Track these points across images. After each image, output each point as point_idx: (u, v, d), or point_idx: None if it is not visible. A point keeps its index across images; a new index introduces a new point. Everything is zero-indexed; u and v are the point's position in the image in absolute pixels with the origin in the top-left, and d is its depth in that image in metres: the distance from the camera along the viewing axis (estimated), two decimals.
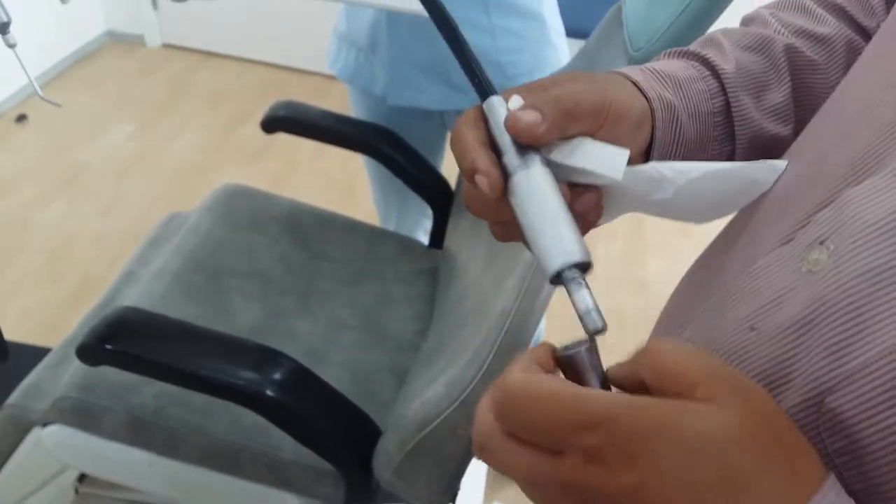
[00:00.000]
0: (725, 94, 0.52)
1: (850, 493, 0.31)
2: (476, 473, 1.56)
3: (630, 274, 2.31)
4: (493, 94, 0.44)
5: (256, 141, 2.71)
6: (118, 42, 3.32)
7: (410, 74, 1.30)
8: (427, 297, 1.31)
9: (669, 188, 0.43)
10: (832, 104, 0.47)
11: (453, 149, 0.45)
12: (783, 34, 0.54)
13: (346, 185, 2.53)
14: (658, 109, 0.48)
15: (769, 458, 0.29)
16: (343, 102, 1.59)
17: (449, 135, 1.49)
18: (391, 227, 1.61)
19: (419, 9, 0.87)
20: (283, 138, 1.45)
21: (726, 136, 0.52)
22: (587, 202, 0.44)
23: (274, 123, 1.38)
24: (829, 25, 0.55)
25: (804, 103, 0.54)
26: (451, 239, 1.35)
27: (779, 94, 0.53)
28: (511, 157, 0.42)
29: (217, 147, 2.71)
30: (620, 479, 0.29)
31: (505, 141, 0.42)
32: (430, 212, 1.43)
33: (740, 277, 0.41)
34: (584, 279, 0.38)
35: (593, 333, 0.37)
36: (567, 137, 0.44)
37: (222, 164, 2.61)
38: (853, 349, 0.33)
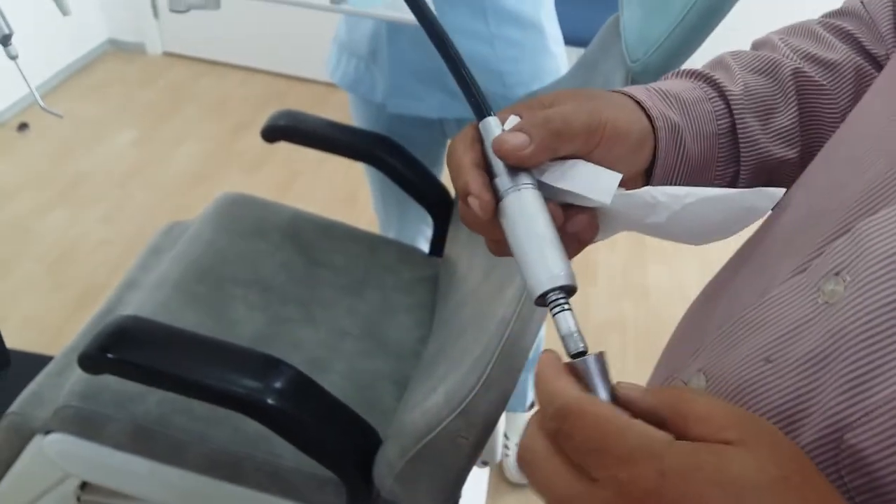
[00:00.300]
0: (732, 115, 0.52)
1: None
2: (477, 482, 1.56)
3: (631, 281, 2.31)
4: (488, 114, 0.45)
5: (257, 149, 2.72)
6: (119, 50, 3.33)
7: (410, 82, 1.30)
8: (428, 305, 1.32)
9: (663, 213, 0.43)
10: (844, 132, 0.47)
11: (449, 167, 0.46)
12: (791, 58, 0.54)
13: (347, 194, 2.54)
14: (661, 129, 0.48)
15: (805, 501, 0.30)
16: (343, 111, 1.60)
17: (448, 143, 1.50)
18: (392, 234, 1.61)
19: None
20: (284, 147, 1.45)
21: (731, 158, 0.52)
22: (579, 223, 0.44)
23: (274, 132, 1.39)
24: (837, 51, 0.55)
25: (811, 127, 0.54)
26: (451, 247, 1.35)
27: (786, 118, 0.53)
28: (503, 179, 0.43)
29: (218, 155, 2.72)
30: None
31: (497, 163, 0.43)
32: (430, 220, 1.43)
33: (754, 307, 0.41)
34: (567, 302, 0.39)
35: (573, 355, 0.37)
36: (560, 158, 0.44)
37: (223, 173, 2.62)
38: (873, 384, 0.32)
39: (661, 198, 0.43)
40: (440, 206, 1.41)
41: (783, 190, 0.42)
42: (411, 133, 1.41)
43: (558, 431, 0.33)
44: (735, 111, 0.52)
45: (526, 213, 0.42)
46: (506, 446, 1.71)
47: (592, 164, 0.44)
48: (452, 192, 1.42)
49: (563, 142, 0.43)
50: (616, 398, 0.35)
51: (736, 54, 0.56)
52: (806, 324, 0.37)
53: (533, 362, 1.65)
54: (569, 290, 0.39)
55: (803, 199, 0.45)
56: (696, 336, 0.46)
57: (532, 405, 1.76)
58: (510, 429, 1.72)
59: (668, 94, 0.51)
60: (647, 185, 0.49)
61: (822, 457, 0.33)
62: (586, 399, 0.33)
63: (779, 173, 0.53)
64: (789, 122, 0.53)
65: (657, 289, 2.30)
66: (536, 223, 0.41)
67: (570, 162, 0.44)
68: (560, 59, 1.32)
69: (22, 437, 1.08)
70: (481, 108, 0.45)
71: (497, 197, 0.43)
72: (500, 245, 0.46)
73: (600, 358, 0.36)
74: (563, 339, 0.38)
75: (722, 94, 0.53)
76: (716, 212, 0.43)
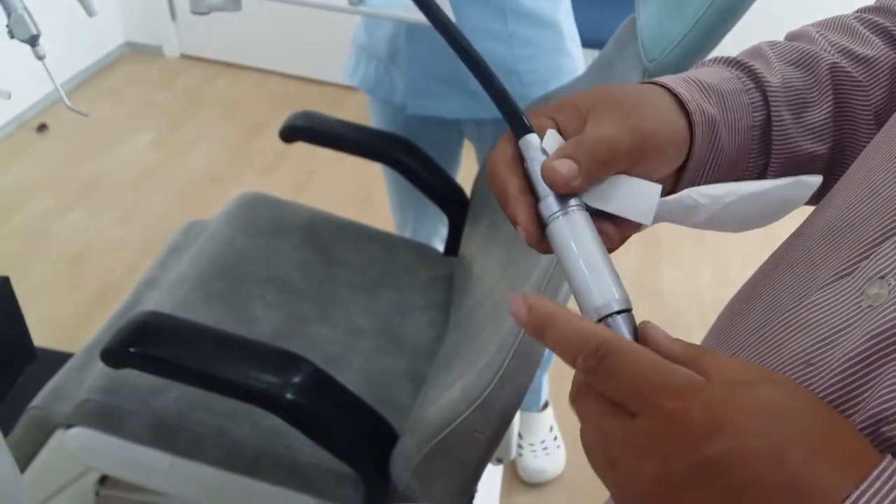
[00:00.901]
0: (768, 108, 0.52)
1: None
2: (491, 479, 1.57)
3: (645, 283, 2.31)
4: (528, 131, 0.45)
5: (273, 150, 2.74)
6: (137, 53, 3.36)
7: (429, 84, 1.32)
8: (443, 304, 1.33)
9: (703, 214, 0.44)
10: (886, 135, 0.46)
11: (493, 190, 0.46)
12: (829, 52, 0.54)
13: (362, 194, 2.55)
14: (699, 124, 0.48)
15: (836, 423, 0.32)
16: (358, 112, 1.61)
17: (465, 142, 1.51)
18: (407, 234, 1.62)
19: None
20: (299, 148, 1.47)
21: (762, 151, 0.52)
22: (628, 230, 0.45)
23: (292, 133, 1.40)
24: (874, 47, 0.54)
25: (843, 123, 0.54)
26: (467, 247, 1.36)
27: (819, 113, 0.53)
28: (550, 202, 0.43)
29: (234, 157, 2.74)
30: (704, 447, 0.31)
31: (542, 186, 0.44)
32: (446, 219, 1.44)
33: (794, 311, 0.41)
34: (627, 320, 0.39)
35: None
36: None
37: (239, 174, 2.64)
38: None
39: (702, 200, 0.43)
40: (456, 206, 1.42)
41: (820, 178, 0.42)
42: (429, 134, 1.43)
43: (598, 368, 0.34)
44: (772, 104, 0.52)
45: (577, 237, 0.42)
46: (520, 445, 1.72)
47: (632, 179, 0.45)
48: (468, 191, 1.43)
49: (609, 169, 0.44)
50: (643, 339, 0.38)
51: (773, 45, 0.56)
52: (848, 327, 0.37)
53: (548, 360, 1.65)
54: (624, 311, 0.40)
55: (844, 201, 0.44)
56: (734, 339, 0.46)
57: (546, 405, 1.76)
58: (525, 428, 1.73)
59: (705, 86, 0.51)
60: (679, 179, 0.49)
61: None
62: (621, 338, 0.36)
63: (807, 167, 0.53)
64: (823, 117, 0.53)
65: (671, 291, 2.30)
66: (587, 247, 0.42)
67: (610, 178, 0.44)
68: (577, 57, 1.33)
69: (43, 432, 1.10)
70: (522, 126, 0.46)
71: (544, 221, 0.44)
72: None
73: (629, 318, 0.39)
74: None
75: (759, 85, 0.52)
76: (755, 205, 0.43)
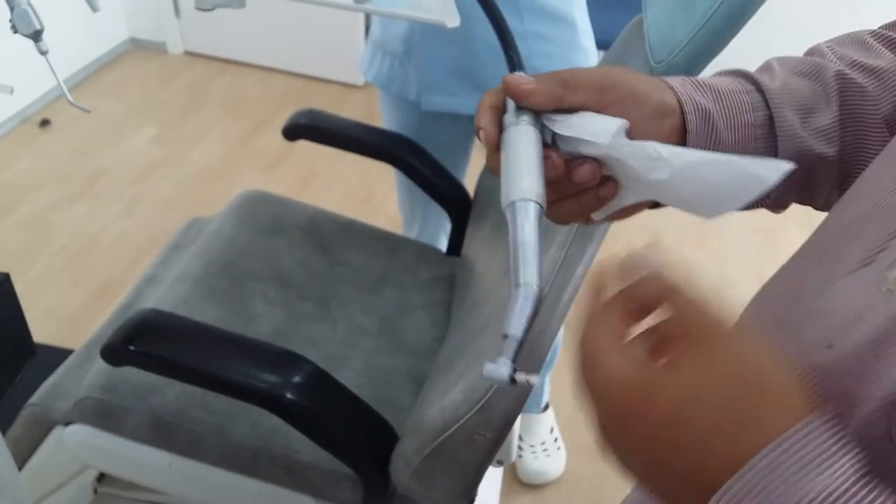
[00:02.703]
0: (769, 108, 0.53)
1: None
2: (491, 481, 1.56)
3: None
4: (519, 69, 0.52)
5: (275, 148, 2.73)
6: (141, 49, 3.36)
7: (444, 80, 1.32)
8: (445, 304, 1.32)
9: (665, 168, 0.45)
10: None
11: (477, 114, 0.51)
12: (836, 63, 0.56)
13: (364, 193, 2.55)
14: (690, 113, 0.50)
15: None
16: (361, 110, 1.61)
17: (476, 140, 1.51)
18: (414, 231, 1.63)
19: (440, 19, 0.89)
20: (301, 146, 1.46)
21: (768, 150, 0.53)
22: (584, 173, 0.48)
23: (295, 131, 1.40)
24: (884, 59, 0.56)
25: (852, 128, 0.54)
26: (469, 246, 1.36)
27: (826, 117, 0.54)
28: (508, 115, 0.48)
29: (236, 154, 2.73)
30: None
31: (510, 104, 0.49)
32: None
33: (818, 298, 0.42)
34: (536, 215, 0.44)
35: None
36: (570, 110, 0.48)
37: (241, 171, 2.64)
38: None
39: (664, 152, 0.45)
40: (458, 206, 1.41)
41: (790, 164, 0.42)
42: (441, 130, 1.43)
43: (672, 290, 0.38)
44: (772, 104, 0.53)
45: (516, 142, 0.47)
46: (520, 447, 1.71)
47: (600, 115, 0.47)
48: (472, 192, 1.43)
49: (569, 90, 0.48)
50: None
51: (782, 59, 0.58)
52: (868, 311, 0.37)
53: (550, 362, 1.65)
54: (538, 208, 0.44)
55: (868, 194, 0.45)
56: (760, 326, 0.47)
57: (547, 406, 1.76)
58: (525, 430, 1.72)
59: (701, 84, 0.53)
60: None
61: (877, 424, 0.34)
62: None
63: (817, 169, 0.54)
64: (830, 120, 0.54)
65: None
66: (521, 150, 0.46)
67: (580, 113, 0.48)
68: (591, 54, 1.33)
69: (42, 429, 1.10)
70: (514, 64, 0.52)
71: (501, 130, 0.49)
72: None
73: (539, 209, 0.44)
74: (517, 243, 0.42)
75: (759, 88, 0.54)
76: (720, 175, 0.44)
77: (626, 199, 0.50)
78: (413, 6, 1.02)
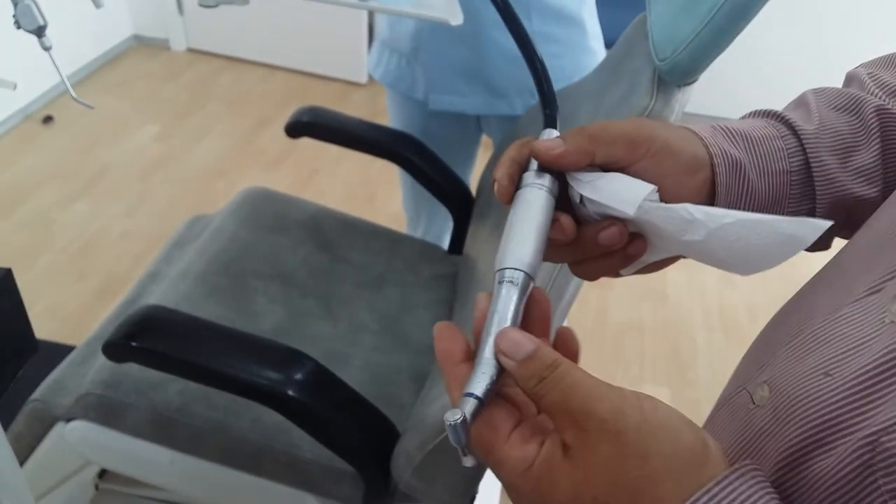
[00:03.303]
0: (805, 153, 0.51)
1: None
2: (492, 478, 1.56)
3: (650, 286, 2.31)
4: (553, 127, 0.50)
5: (278, 146, 2.74)
6: (144, 46, 3.36)
7: (452, 80, 1.32)
8: (446, 302, 1.32)
9: (700, 230, 0.43)
10: None
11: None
12: (877, 94, 0.54)
13: (366, 191, 2.55)
14: (720, 165, 0.49)
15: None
16: (363, 108, 1.61)
17: (483, 139, 1.51)
18: (419, 231, 1.63)
19: (444, 17, 0.89)
20: (304, 144, 1.46)
21: (805, 195, 0.52)
22: (610, 236, 0.46)
23: (298, 128, 1.40)
24: None
25: (894, 165, 0.53)
26: (471, 245, 1.36)
27: (868, 156, 0.52)
28: (528, 175, 0.47)
29: (239, 151, 2.74)
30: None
31: (533, 163, 0.48)
32: None
33: (824, 323, 0.41)
34: (520, 286, 0.42)
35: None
36: (600, 169, 0.46)
37: (244, 168, 2.64)
38: None
39: (698, 215, 0.43)
40: (461, 205, 1.41)
41: (829, 222, 0.42)
42: (448, 129, 1.43)
43: (550, 376, 0.36)
44: (808, 149, 0.51)
45: (525, 206, 0.45)
46: None
47: (629, 178, 0.46)
48: (474, 190, 1.43)
49: (600, 145, 0.45)
50: (561, 339, 0.41)
51: (818, 92, 0.56)
52: (869, 340, 0.37)
53: None
54: (526, 280, 0.42)
55: (887, 220, 0.44)
56: (767, 350, 0.46)
57: None
58: None
59: (733, 132, 0.51)
60: None
61: (859, 460, 0.34)
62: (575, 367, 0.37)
63: (858, 211, 0.52)
64: (871, 159, 0.52)
65: (675, 293, 2.29)
66: (527, 216, 0.44)
67: (609, 175, 0.46)
68: (601, 55, 1.33)
69: (44, 424, 1.10)
70: (548, 120, 0.51)
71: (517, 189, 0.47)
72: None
73: (528, 280, 0.42)
74: (492, 312, 0.41)
75: (794, 132, 0.52)
76: (756, 236, 0.43)
77: (655, 255, 0.48)
78: (417, 4, 1.02)
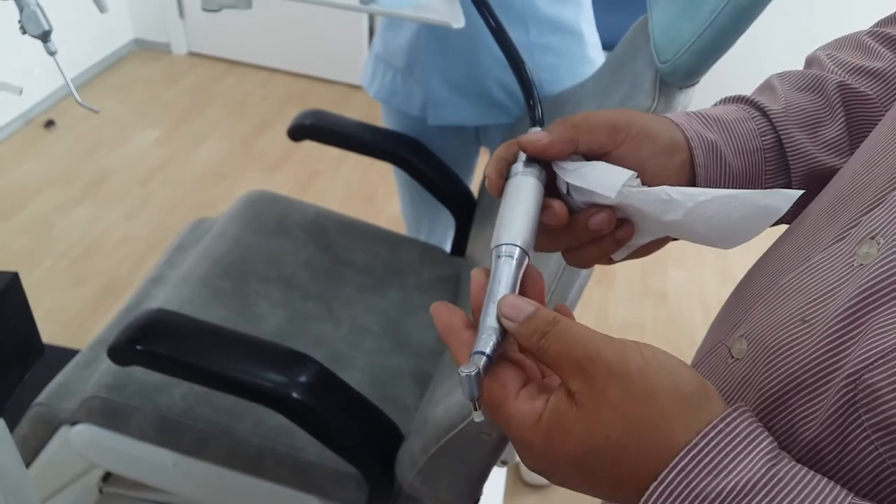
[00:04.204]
0: (776, 131, 0.54)
1: (886, 468, 0.34)
2: (495, 481, 1.57)
3: (650, 286, 2.31)
4: (539, 125, 0.52)
5: (279, 149, 2.74)
6: (145, 50, 3.37)
7: (449, 93, 1.31)
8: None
9: (679, 209, 0.46)
10: (890, 113, 0.49)
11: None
12: (836, 73, 0.56)
13: (366, 194, 2.55)
14: (697, 147, 0.51)
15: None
16: (364, 111, 1.61)
17: (482, 149, 1.51)
18: (420, 238, 1.60)
19: (446, 20, 0.89)
20: (304, 147, 1.47)
21: (780, 170, 0.55)
22: (599, 221, 0.48)
23: (301, 131, 1.40)
24: (884, 60, 0.56)
25: (861, 136, 0.55)
26: (474, 247, 1.36)
27: (833, 129, 0.55)
28: (516, 164, 0.50)
29: (240, 154, 2.74)
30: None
31: (521, 155, 0.50)
32: None
33: (793, 274, 0.43)
34: (516, 259, 0.44)
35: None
36: (583, 158, 0.49)
37: (245, 171, 2.64)
38: (893, 329, 0.34)
39: (676, 195, 0.46)
40: (463, 206, 1.41)
41: (799, 192, 0.44)
42: (445, 142, 1.42)
43: (550, 331, 0.38)
44: (778, 126, 0.54)
45: (515, 191, 0.47)
46: None
47: (611, 165, 0.48)
48: (476, 192, 1.43)
49: (582, 132, 0.48)
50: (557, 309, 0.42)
51: (782, 75, 0.59)
52: (840, 284, 0.39)
53: None
54: (521, 254, 0.44)
55: (847, 174, 0.47)
56: (740, 306, 0.48)
57: None
58: None
59: (706, 117, 0.54)
60: None
61: (843, 398, 0.35)
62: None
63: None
64: (837, 132, 0.55)
65: (676, 292, 2.29)
66: (517, 199, 0.47)
67: (592, 163, 0.49)
68: (598, 64, 1.32)
69: (48, 428, 1.10)
70: (534, 118, 0.53)
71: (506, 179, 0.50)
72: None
73: (524, 255, 0.44)
74: (492, 284, 0.42)
75: (763, 113, 0.55)
76: (732, 210, 0.45)
77: (643, 238, 0.51)
78: (418, 7, 1.02)
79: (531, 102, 0.54)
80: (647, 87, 0.81)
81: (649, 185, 0.48)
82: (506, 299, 0.40)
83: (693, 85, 0.79)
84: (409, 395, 1.13)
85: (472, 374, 0.37)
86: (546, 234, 0.50)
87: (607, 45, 1.27)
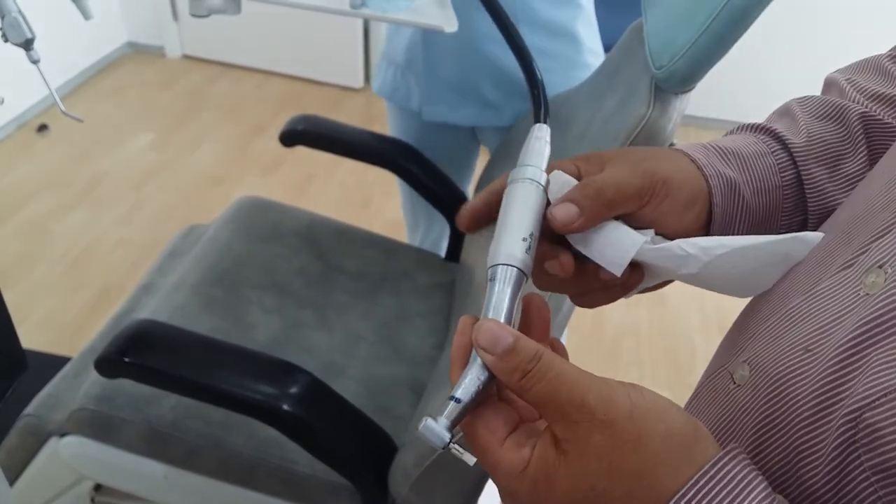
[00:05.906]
0: (796, 167, 0.53)
1: None
2: (492, 494, 1.55)
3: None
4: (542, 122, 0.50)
5: (273, 152, 2.72)
6: (139, 53, 3.35)
7: (444, 91, 1.31)
8: (444, 311, 1.31)
9: (695, 264, 0.44)
10: None
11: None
12: (858, 101, 0.55)
13: (361, 198, 2.54)
14: (715, 187, 0.50)
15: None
16: (358, 114, 1.60)
17: (481, 149, 1.50)
18: (418, 236, 1.62)
19: (439, 25, 0.88)
20: (299, 150, 1.45)
21: (797, 208, 0.53)
22: (611, 274, 0.46)
23: (292, 137, 1.39)
24: None
25: None
26: (468, 252, 1.34)
27: (854, 164, 0.53)
28: (515, 171, 0.46)
29: (235, 158, 2.72)
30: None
31: (521, 156, 0.48)
32: None
33: (800, 299, 0.42)
34: (513, 283, 0.41)
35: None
36: None
37: (240, 175, 2.62)
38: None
39: (691, 250, 0.44)
40: (457, 211, 1.40)
41: (820, 235, 0.42)
42: (445, 140, 1.42)
43: (534, 370, 0.35)
44: (799, 162, 0.52)
45: (515, 201, 0.44)
46: None
47: (622, 227, 0.45)
48: (471, 195, 1.42)
49: (615, 209, 0.46)
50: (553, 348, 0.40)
51: (802, 101, 0.57)
52: (845, 314, 0.37)
53: None
54: (519, 276, 0.41)
55: (860, 200, 0.45)
56: (745, 330, 0.47)
57: None
58: None
59: (726, 152, 0.52)
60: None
61: (843, 437, 0.34)
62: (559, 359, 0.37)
63: None
64: (858, 167, 0.53)
65: (673, 296, 2.28)
66: (520, 212, 0.43)
67: (602, 225, 0.46)
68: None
69: (38, 439, 1.09)
70: (540, 118, 0.51)
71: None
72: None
73: (521, 276, 0.41)
74: (486, 310, 0.40)
75: (784, 146, 0.53)
76: (750, 260, 0.43)
77: (653, 281, 0.49)
78: (413, 12, 1.01)
79: (538, 100, 0.51)
80: (642, 93, 0.79)
81: (665, 236, 0.46)
82: (484, 324, 0.37)
83: (689, 91, 0.78)
84: (404, 404, 1.12)
85: (426, 426, 0.36)
86: (552, 279, 0.47)
87: (606, 47, 1.26)
